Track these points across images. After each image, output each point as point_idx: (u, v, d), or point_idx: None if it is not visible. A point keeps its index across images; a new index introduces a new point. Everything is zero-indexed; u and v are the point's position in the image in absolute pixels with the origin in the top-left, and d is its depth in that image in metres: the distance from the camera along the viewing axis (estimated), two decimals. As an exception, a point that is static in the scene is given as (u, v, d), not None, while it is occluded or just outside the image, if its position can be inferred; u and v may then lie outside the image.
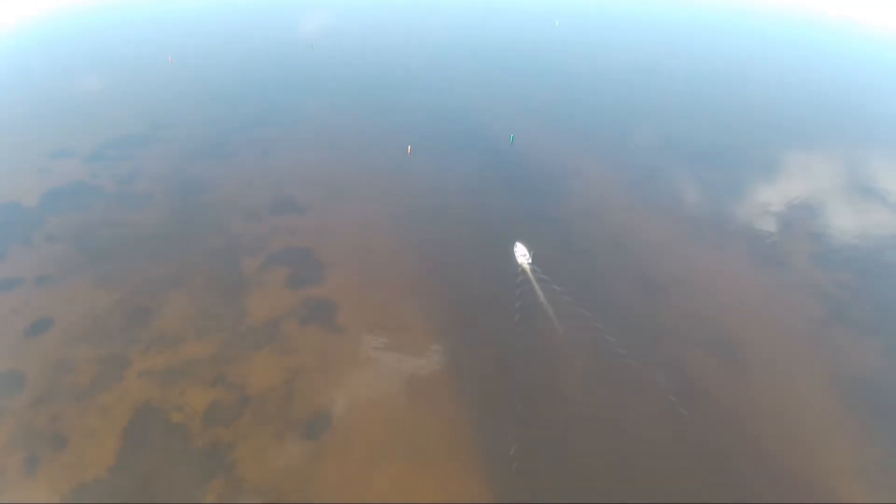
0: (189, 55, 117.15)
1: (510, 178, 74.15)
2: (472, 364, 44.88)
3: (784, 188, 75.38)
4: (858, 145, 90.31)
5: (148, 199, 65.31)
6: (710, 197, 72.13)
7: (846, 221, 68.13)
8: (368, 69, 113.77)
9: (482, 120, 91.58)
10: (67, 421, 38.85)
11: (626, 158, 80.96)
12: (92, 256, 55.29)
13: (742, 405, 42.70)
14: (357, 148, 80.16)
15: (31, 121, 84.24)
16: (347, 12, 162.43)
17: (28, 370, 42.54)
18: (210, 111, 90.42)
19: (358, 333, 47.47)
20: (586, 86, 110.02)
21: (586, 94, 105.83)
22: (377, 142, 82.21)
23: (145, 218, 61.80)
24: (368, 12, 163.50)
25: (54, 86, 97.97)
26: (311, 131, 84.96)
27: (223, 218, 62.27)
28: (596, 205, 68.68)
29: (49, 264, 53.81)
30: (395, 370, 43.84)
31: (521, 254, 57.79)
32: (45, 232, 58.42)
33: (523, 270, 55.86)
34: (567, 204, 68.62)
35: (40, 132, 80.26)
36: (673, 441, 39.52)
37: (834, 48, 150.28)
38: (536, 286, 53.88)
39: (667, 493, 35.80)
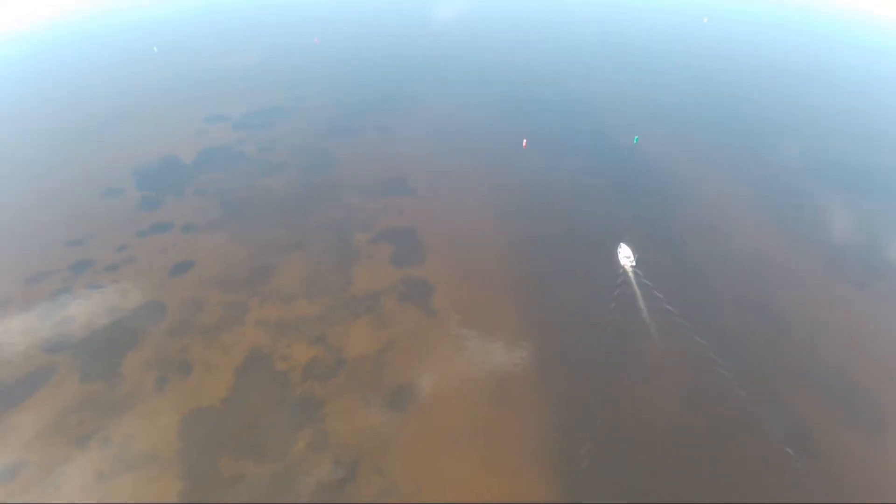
0: (333, 37, 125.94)
1: (627, 180, 70.55)
2: (559, 365, 43.90)
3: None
4: None
5: (282, 167, 71.88)
6: (860, 227, 62.82)
7: None
8: (495, 59, 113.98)
9: (607, 118, 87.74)
10: (194, 352, 44.62)
11: (761, 174, 72.96)
12: (230, 212, 62.34)
13: (865, 467, 37.23)
14: (474, 137, 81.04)
15: (195, 88, 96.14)
16: (482, 2, 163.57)
17: (169, 303, 49.39)
18: (344, 90, 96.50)
19: (451, 318, 48.52)
20: (729, 91, 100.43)
21: (727, 99, 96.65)
22: (494, 133, 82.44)
23: (278, 184, 68.19)
24: (502, 2, 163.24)
25: (215, 58, 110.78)
26: (432, 117, 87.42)
27: (343, 192, 66.71)
28: (720, 219, 63.02)
29: (195, 215, 61.63)
30: (483, 361, 44.23)
31: (625, 255, 55.37)
32: (195, 186, 66.89)
33: (625, 272, 53.54)
34: (687, 214, 63.74)
35: (201, 98, 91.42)
36: (769, 482, 35.62)
37: None
38: (637, 290, 51.28)
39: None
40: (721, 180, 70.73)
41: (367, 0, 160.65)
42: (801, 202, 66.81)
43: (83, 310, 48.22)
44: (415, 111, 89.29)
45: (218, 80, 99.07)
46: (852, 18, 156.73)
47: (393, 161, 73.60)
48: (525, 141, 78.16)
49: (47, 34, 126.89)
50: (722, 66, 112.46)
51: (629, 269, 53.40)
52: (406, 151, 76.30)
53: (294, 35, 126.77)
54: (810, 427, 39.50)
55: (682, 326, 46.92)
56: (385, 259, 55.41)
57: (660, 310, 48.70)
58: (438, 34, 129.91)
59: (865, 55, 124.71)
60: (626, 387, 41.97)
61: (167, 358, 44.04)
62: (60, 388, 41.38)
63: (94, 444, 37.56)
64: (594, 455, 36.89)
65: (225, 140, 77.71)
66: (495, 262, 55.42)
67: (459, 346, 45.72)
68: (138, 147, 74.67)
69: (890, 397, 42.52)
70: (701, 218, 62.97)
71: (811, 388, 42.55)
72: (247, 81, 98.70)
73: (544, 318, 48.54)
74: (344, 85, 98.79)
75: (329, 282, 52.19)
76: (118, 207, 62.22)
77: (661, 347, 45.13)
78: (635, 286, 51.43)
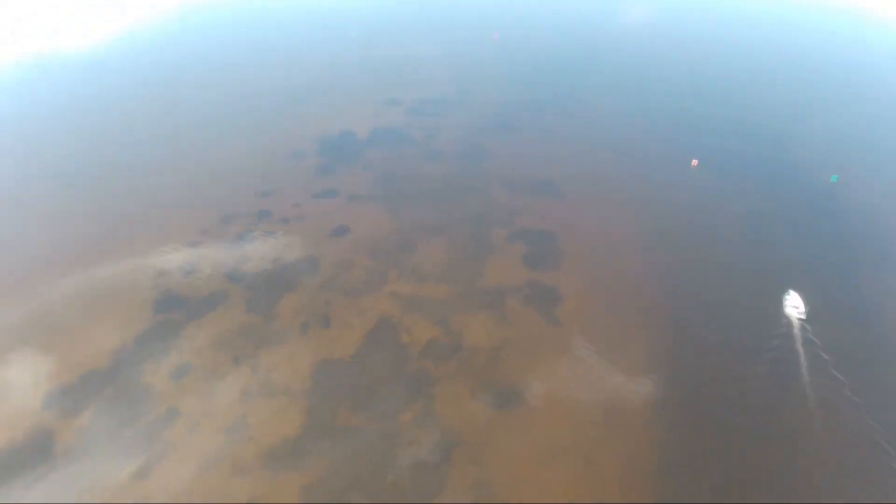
0: (512, 34, 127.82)
1: (814, 222, 60.85)
2: (685, 410, 40.04)
3: None
4: None
5: (441, 154, 75.61)
6: None
7: None
8: (676, 70, 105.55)
9: (801, 150, 76.14)
10: (336, 308, 49.59)
11: None
12: (389, 189, 67.54)
13: None
14: (638, 149, 76.38)
15: (378, 73, 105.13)
16: (671, 8, 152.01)
17: (323, 260, 55.48)
18: (512, 87, 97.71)
19: (574, 332, 46.89)
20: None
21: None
22: (661, 147, 76.74)
23: (435, 170, 71.99)
24: (694, 9, 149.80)
25: (401, 47, 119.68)
26: (595, 122, 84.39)
27: (491, 186, 68.02)
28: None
29: (360, 186, 67.94)
30: (599, 382, 42.12)
31: (793, 304, 48.24)
32: (364, 161, 73.58)
33: (789, 323, 46.67)
34: (886, 277, 52.83)
35: (382, 83, 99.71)
36: None
37: None
38: (800, 346, 44.36)
39: None
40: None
41: (553, 1, 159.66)
42: None
43: (257, 251, 56.50)
44: (579, 114, 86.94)
45: (399, 68, 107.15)
46: None
47: (546, 162, 72.82)
48: (696, 161, 71.34)
49: (269, 15, 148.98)
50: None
51: (795, 321, 46.23)
52: (562, 154, 74.85)
53: (476, 29, 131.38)
54: None
55: (851, 401, 39.43)
56: (518, 258, 55.36)
57: (826, 375, 41.52)
58: (617, 39, 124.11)
59: None
60: (763, 454, 36.81)
61: (313, 308, 49.65)
62: (229, 313, 49.23)
63: (245, 365, 44.11)
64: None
65: (396, 123, 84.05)
66: (636, 283, 52.03)
67: (577, 361, 44.03)
68: (324, 120, 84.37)
69: None
70: (909, 284, 51.68)
71: None
72: (424, 71, 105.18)
73: (680, 354, 44.42)
74: (513, 82, 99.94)
75: (461, 270, 53.87)
76: (300, 170, 71.26)
77: (818, 421, 38.52)
78: (799, 342, 44.38)
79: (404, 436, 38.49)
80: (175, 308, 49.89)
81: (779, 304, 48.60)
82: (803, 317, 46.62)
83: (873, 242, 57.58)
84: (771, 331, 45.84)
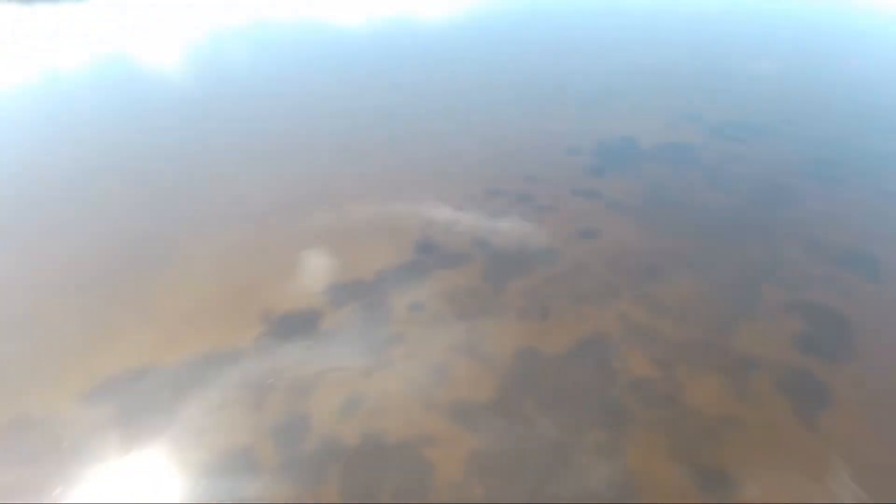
0: (879, 66, 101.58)
1: None
2: None
3: None
4: None
5: (730, 185, 66.08)
6: None
7: None
8: None
9: None
10: (557, 304, 49.45)
11: None
12: (654, 205, 62.85)
13: None
14: None
15: (687, 85, 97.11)
16: None
17: (563, 257, 55.58)
18: (850, 126, 78.44)
19: (834, 448, 36.41)
20: None
21: None
22: None
23: (716, 201, 63.56)
24: None
25: (719, 59, 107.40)
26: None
27: (782, 238, 56.70)
28: None
29: (623, 194, 64.82)
30: (848, 524, 32.14)
31: None
32: (637, 171, 69.48)
33: None
34: None
35: (688, 96, 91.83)
36: None
37: None
38: None
39: None
40: None
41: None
42: None
43: (507, 229, 59.94)
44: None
45: (713, 81, 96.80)
46: None
47: (870, 230, 56.30)
48: None
49: (589, 14, 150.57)
50: None
51: None
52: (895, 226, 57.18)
53: (826, 49, 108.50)
54: None
55: None
56: (788, 332, 45.12)
57: None
58: None
59: None
60: None
61: (537, 297, 50.60)
62: (467, 274, 53.94)
63: (464, 323, 48.13)
64: None
65: (687, 140, 76.61)
66: (960, 429, 37.11)
67: (826, 488, 34.33)
68: (609, 122, 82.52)
69: None
70: None
71: None
72: (743, 88, 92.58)
73: None
74: (853, 122, 79.69)
75: (708, 318, 47.05)
76: (569, 165, 71.90)
77: None
78: None
79: (579, 458, 36.65)
80: (429, 254, 57.29)
81: None
82: None
83: None
84: None
